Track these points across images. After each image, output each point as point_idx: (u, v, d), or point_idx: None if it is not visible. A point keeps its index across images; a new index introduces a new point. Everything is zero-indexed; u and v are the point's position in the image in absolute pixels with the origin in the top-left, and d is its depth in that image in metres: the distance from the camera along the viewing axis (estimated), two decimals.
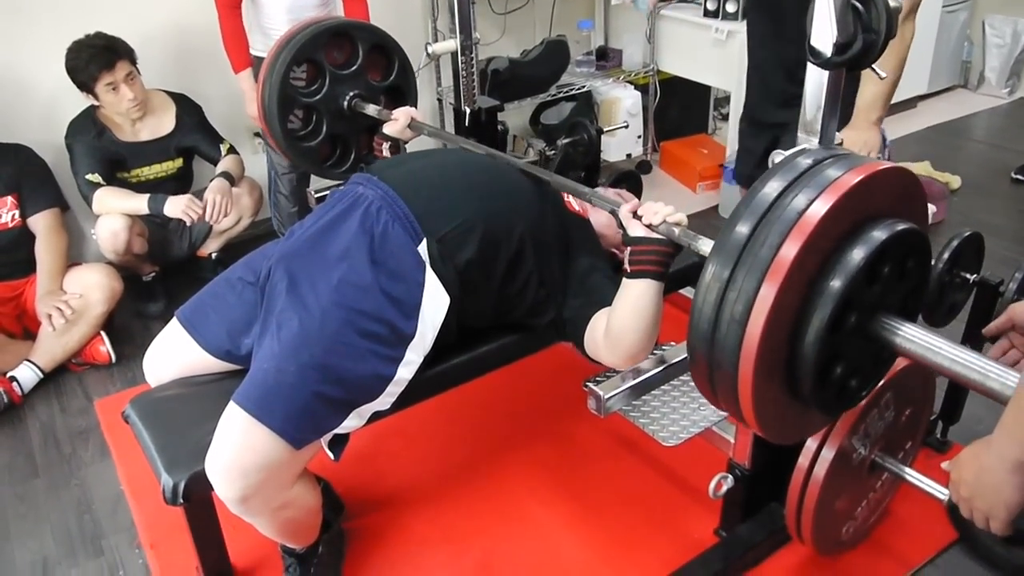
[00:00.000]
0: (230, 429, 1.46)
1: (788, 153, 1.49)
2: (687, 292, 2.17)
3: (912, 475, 1.70)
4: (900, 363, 1.61)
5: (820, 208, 1.08)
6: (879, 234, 1.11)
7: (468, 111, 2.59)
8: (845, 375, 1.19)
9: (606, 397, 1.49)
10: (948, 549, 1.89)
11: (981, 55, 5.18)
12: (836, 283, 1.09)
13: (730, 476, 1.78)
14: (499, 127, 2.68)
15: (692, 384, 2.00)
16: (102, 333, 2.76)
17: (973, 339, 1.98)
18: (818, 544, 1.73)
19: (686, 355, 1.54)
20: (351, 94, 2.27)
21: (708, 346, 1.14)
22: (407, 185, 1.68)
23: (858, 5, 1.44)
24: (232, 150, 3.08)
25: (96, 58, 2.68)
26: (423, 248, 1.60)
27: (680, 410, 1.92)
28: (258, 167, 3.35)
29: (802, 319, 1.11)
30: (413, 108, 2.18)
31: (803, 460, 1.62)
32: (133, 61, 2.79)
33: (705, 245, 1.37)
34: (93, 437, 2.44)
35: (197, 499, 1.53)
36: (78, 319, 2.67)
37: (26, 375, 2.61)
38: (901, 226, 1.13)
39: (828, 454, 1.59)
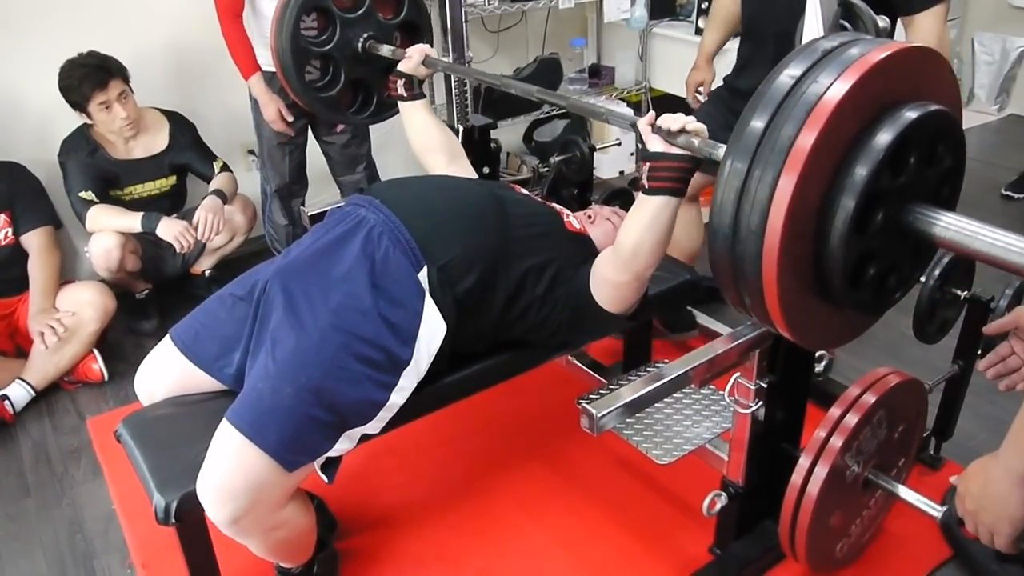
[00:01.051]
0: (223, 449, 1.46)
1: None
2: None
3: (906, 492, 1.70)
4: (892, 380, 1.62)
5: (839, 90, 1.01)
6: (908, 115, 1.04)
7: (461, 129, 2.60)
8: (880, 274, 1.12)
9: (599, 415, 1.49)
10: (942, 566, 1.89)
11: (971, 72, 5.22)
12: (862, 170, 1.02)
13: (724, 494, 1.78)
14: (492, 145, 2.68)
15: (686, 402, 2.02)
16: (95, 351, 2.75)
17: (965, 356, 1.99)
18: (812, 562, 1.73)
19: (679, 372, 1.55)
20: (364, 36, 2.26)
21: (730, 248, 1.09)
22: (409, 210, 1.68)
23: (847, 25, 1.46)
24: (225, 168, 3.08)
25: (89, 77, 2.69)
26: (423, 275, 1.60)
27: (674, 428, 1.92)
28: (252, 185, 3.35)
29: (827, 214, 1.05)
30: (427, 45, 2.16)
31: (796, 477, 1.61)
32: (126, 80, 2.80)
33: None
34: (85, 456, 2.42)
35: (189, 519, 1.52)
36: (71, 337, 2.66)
37: (18, 393, 2.60)
38: (931, 107, 1.06)
39: (821, 471, 1.59)
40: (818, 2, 1.38)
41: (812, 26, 1.42)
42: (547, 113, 3.96)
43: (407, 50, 2.12)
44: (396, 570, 1.95)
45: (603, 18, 3.97)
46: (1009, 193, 3.84)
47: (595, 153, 2.56)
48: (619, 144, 3.71)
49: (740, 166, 1.06)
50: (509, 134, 4.06)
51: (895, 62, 1.04)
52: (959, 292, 1.85)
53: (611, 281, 1.64)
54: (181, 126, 3.03)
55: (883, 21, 1.46)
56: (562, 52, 4.04)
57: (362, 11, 2.25)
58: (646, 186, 1.49)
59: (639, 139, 1.51)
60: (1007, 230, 1.01)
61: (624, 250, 1.56)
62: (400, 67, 2.12)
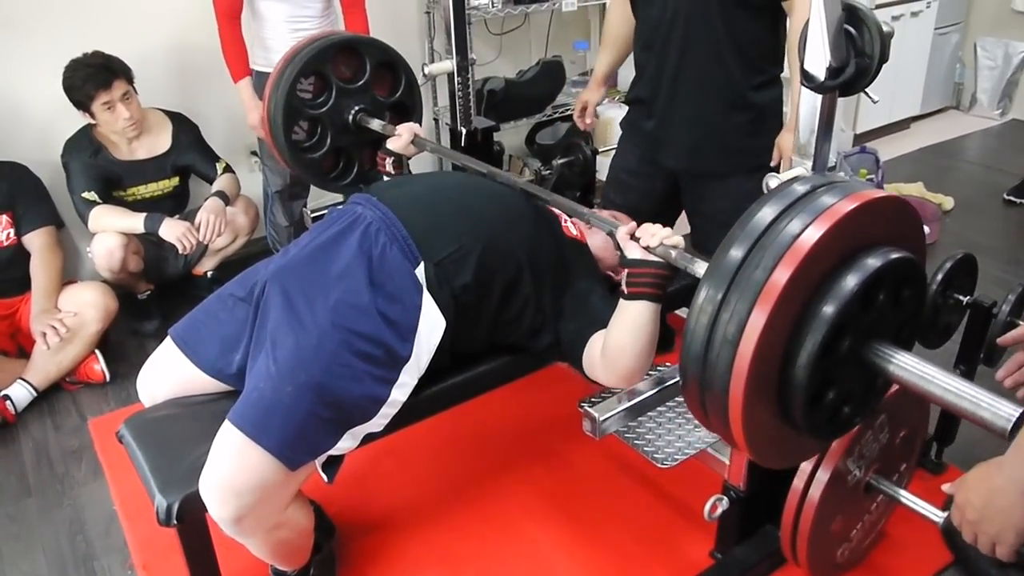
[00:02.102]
0: (225, 449, 1.46)
1: (782, 178, 1.51)
2: (682, 313, 2.17)
3: (907, 497, 1.70)
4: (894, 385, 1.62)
5: (813, 234, 1.08)
6: (873, 262, 1.11)
7: (464, 131, 2.61)
8: (837, 401, 1.19)
9: (601, 419, 1.49)
10: (943, 572, 1.89)
11: (973, 77, 5.23)
12: (829, 309, 1.09)
13: (725, 498, 1.78)
14: (495, 147, 2.69)
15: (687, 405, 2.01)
16: (96, 351, 2.75)
17: (967, 361, 1.99)
18: (813, 566, 1.73)
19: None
20: (356, 108, 2.28)
21: (700, 368, 1.15)
22: (406, 208, 1.68)
23: (851, 30, 1.46)
24: (228, 169, 3.08)
25: (93, 77, 2.69)
26: (420, 271, 1.61)
27: (675, 431, 1.92)
28: (255, 186, 3.35)
29: (794, 344, 1.12)
30: (417, 124, 2.18)
31: (798, 482, 1.61)
32: (130, 80, 2.80)
33: (701, 268, 1.38)
34: (86, 456, 2.42)
35: (190, 520, 1.52)
36: (72, 337, 2.66)
37: (20, 393, 2.60)
38: (895, 254, 1.14)
39: (823, 476, 1.59)
40: (822, 8, 1.38)
41: (816, 30, 1.42)
42: (550, 116, 3.96)
43: (397, 128, 2.14)
44: (396, 573, 1.95)
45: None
46: (1011, 198, 3.85)
47: (597, 156, 2.57)
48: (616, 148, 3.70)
49: (715, 294, 1.13)
50: (512, 136, 4.07)
51: (865, 211, 1.12)
52: (962, 297, 1.85)
53: (598, 376, 1.63)
54: (184, 127, 3.04)
55: (887, 26, 1.46)
56: (565, 55, 4.04)
57: (359, 84, 2.28)
58: (625, 292, 1.52)
59: (617, 247, 1.55)
60: (950, 370, 1.16)
61: (609, 352, 1.57)
62: (389, 144, 2.13)
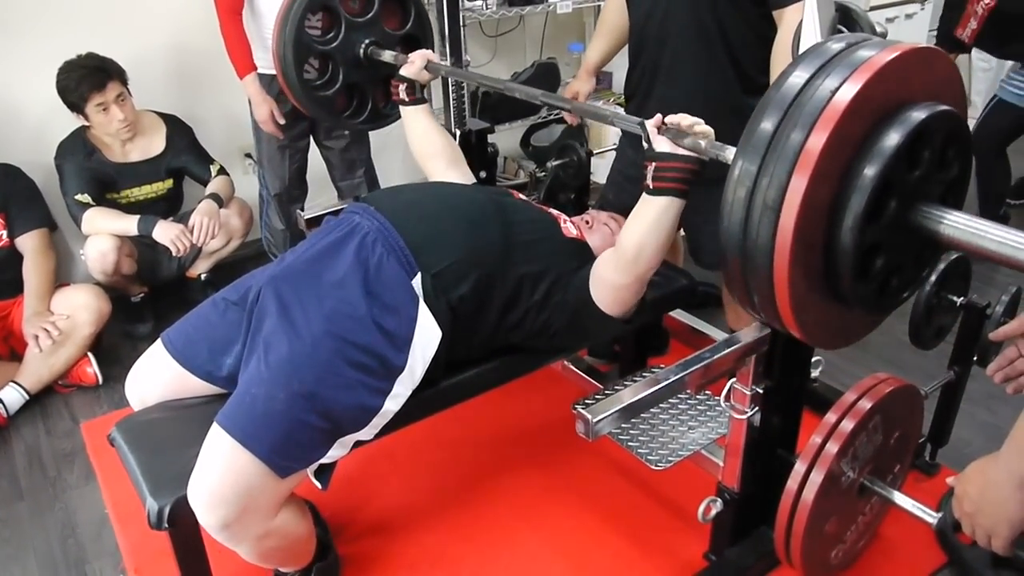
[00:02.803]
0: (214, 454, 1.45)
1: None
2: (676, 314, 2.17)
3: (901, 498, 1.69)
4: (888, 386, 1.61)
5: (849, 91, 1.03)
6: (917, 115, 1.05)
7: (459, 133, 2.60)
8: (886, 269, 1.14)
9: (595, 420, 1.48)
10: (937, 573, 1.89)
11: (967, 79, 5.23)
12: (872, 169, 1.04)
13: (719, 500, 1.78)
14: (489, 149, 2.68)
15: (681, 407, 2.01)
16: (89, 354, 2.75)
17: (961, 362, 1.99)
18: (807, 568, 1.72)
19: (675, 378, 1.55)
20: (367, 42, 2.27)
21: (740, 245, 1.10)
22: (404, 218, 1.68)
23: (844, 31, 1.46)
24: (222, 171, 3.08)
25: (87, 79, 2.69)
26: (417, 282, 1.60)
27: (669, 433, 1.92)
28: (249, 188, 3.35)
29: (837, 210, 1.06)
30: (429, 51, 2.17)
31: (792, 483, 1.61)
32: (124, 82, 2.80)
33: (733, 154, 1.35)
34: (79, 460, 2.42)
35: (182, 524, 1.51)
36: (65, 340, 2.65)
37: (12, 397, 2.59)
38: (939, 107, 1.07)
39: (817, 477, 1.59)
40: (815, 8, 1.38)
41: (810, 31, 1.42)
42: (545, 118, 3.96)
43: (410, 55, 2.13)
44: (390, 575, 1.94)
45: None
46: (1008, 200, 3.84)
47: (592, 158, 2.56)
48: (616, 149, 3.70)
49: (751, 167, 1.07)
50: (506, 138, 4.06)
51: (903, 63, 1.05)
52: (955, 298, 1.85)
53: (612, 283, 1.63)
54: (178, 129, 3.03)
55: (880, 27, 1.46)
56: (560, 57, 4.04)
57: (368, 17, 2.27)
58: (651, 186, 1.49)
59: (646, 139, 1.51)
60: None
61: (627, 251, 1.56)
62: (403, 71, 2.12)
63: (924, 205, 1.12)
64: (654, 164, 1.49)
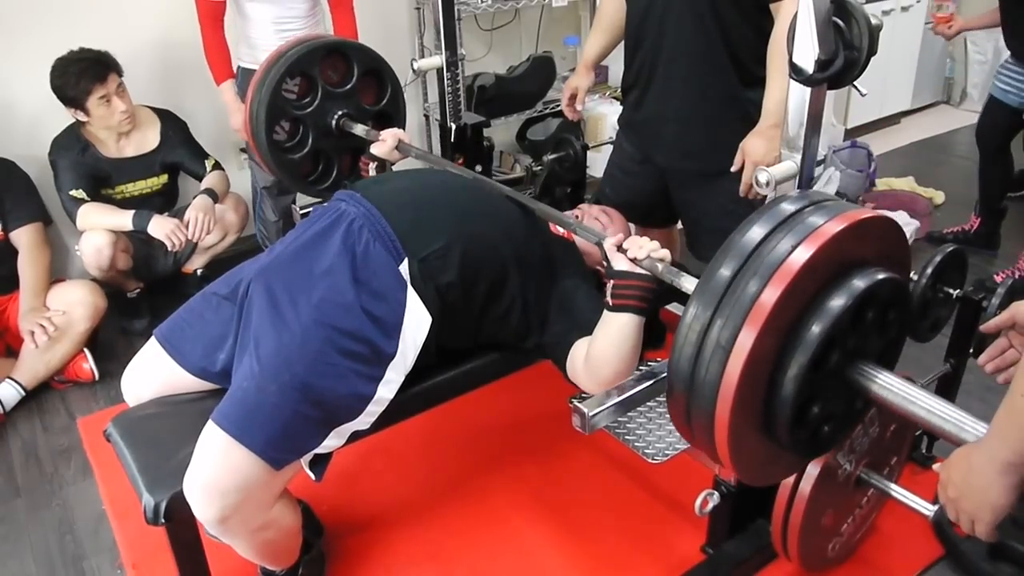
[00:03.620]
0: (209, 449, 1.45)
1: (773, 172, 1.51)
2: (673, 308, 2.17)
3: (897, 491, 1.70)
4: None
5: (802, 255, 1.10)
6: (860, 283, 1.13)
7: (454, 127, 2.60)
8: (820, 418, 1.20)
9: (591, 414, 1.49)
10: (934, 565, 1.89)
11: (963, 72, 5.24)
12: (817, 328, 1.11)
13: (716, 493, 1.78)
14: (485, 143, 2.68)
15: None
16: (85, 350, 2.74)
17: (957, 355, 1.99)
18: (804, 561, 1.73)
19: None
20: (340, 112, 2.27)
21: (687, 385, 1.16)
22: (390, 204, 1.67)
23: (840, 22, 1.45)
24: (217, 166, 3.07)
25: (87, 72, 2.68)
26: (404, 268, 1.60)
27: (666, 427, 1.92)
28: (244, 183, 3.34)
29: (781, 361, 1.13)
30: (401, 130, 2.17)
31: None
32: (120, 74, 2.79)
33: (689, 282, 1.40)
34: (75, 456, 2.41)
35: (179, 519, 1.51)
36: (61, 336, 2.65)
37: (8, 393, 2.58)
38: (882, 275, 1.16)
39: (814, 470, 1.59)
40: (810, 0, 1.38)
41: (805, 24, 1.41)
42: (540, 112, 3.95)
43: (381, 133, 2.13)
44: (387, 571, 1.94)
45: None
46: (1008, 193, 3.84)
47: (588, 151, 2.56)
48: (612, 142, 3.70)
49: (704, 313, 1.14)
50: (502, 132, 4.06)
51: (854, 231, 1.14)
52: (951, 291, 1.85)
53: (580, 380, 1.64)
54: (173, 124, 3.02)
55: (875, 19, 1.45)
56: (555, 50, 4.03)
57: (346, 89, 2.27)
58: (610, 303, 1.52)
59: (604, 258, 1.56)
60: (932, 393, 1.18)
61: (591, 360, 1.58)
62: (373, 149, 2.11)
63: (862, 363, 1.21)
64: (612, 282, 1.52)
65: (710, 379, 1.12)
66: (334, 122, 2.27)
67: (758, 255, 1.13)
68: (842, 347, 1.16)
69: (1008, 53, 3.17)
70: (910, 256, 1.32)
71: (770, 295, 1.08)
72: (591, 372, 1.58)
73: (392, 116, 2.40)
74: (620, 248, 1.52)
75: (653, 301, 1.53)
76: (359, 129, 2.24)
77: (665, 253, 1.50)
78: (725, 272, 1.14)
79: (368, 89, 2.36)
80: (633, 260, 1.49)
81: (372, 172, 2.12)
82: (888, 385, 1.19)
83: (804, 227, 1.14)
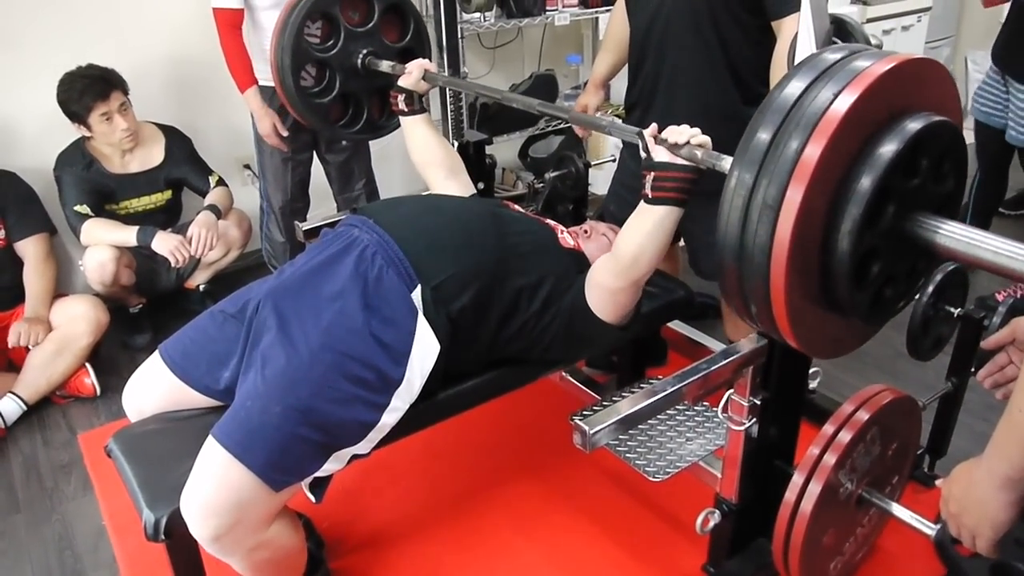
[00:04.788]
0: (209, 466, 1.44)
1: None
2: (675, 325, 2.17)
3: (899, 510, 1.69)
4: (886, 397, 1.62)
5: (846, 101, 1.04)
6: (913, 125, 1.07)
7: (456, 144, 2.61)
8: (881, 277, 1.14)
9: (592, 432, 1.48)
10: None
11: (964, 90, 5.25)
12: (868, 178, 1.05)
13: (717, 511, 1.77)
14: (487, 160, 2.69)
15: (679, 419, 2.01)
16: (87, 365, 2.74)
17: (958, 373, 1.99)
18: None
19: (672, 389, 1.55)
20: (365, 51, 2.29)
21: (737, 255, 1.11)
22: (403, 230, 1.68)
23: (838, 41, 1.46)
24: (221, 182, 3.08)
25: (90, 88, 2.70)
26: (417, 295, 1.60)
27: (667, 445, 1.91)
28: (247, 199, 3.35)
29: (834, 218, 1.07)
30: (426, 60, 2.17)
31: (790, 495, 1.61)
32: (126, 92, 2.81)
33: (728, 163, 1.35)
34: (76, 471, 2.41)
35: (179, 535, 1.51)
36: (63, 350, 2.65)
37: (9, 407, 2.59)
38: (934, 118, 1.08)
39: (815, 489, 1.58)
40: (811, 21, 1.39)
41: (805, 43, 1.42)
42: (543, 129, 3.97)
43: (407, 65, 2.14)
44: None
45: (599, 35, 3.98)
46: (1004, 211, 3.85)
47: (590, 169, 2.57)
48: (614, 160, 3.71)
49: (747, 177, 1.08)
50: (504, 150, 4.07)
51: (899, 74, 1.06)
52: (953, 309, 1.85)
53: (609, 288, 1.65)
54: (177, 140, 3.04)
55: (875, 39, 1.47)
56: (558, 69, 4.06)
57: (368, 28, 2.29)
58: (649, 195, 1.51)
59: (644, 148, 1.53)
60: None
61: (624, 257, 1.58)
62: (400, 82, 2.13)
63: (920, 215, 1.13)
64: (652, 174, 1.50)
65: (760, 243, 1.07)
66: (359, 62, 2.29)
67: (798, 109, 1.07)
68: (898, 198, 1.09)
69: (988, 67, 3.07)
70: (960, 105, 1.24)
71: (813, 151, 1.03)
72: (623, 268, 1.59)
73: (416, 52, 2.41)
74: (658, 140, 1.50)
75: (693, 194, 1.51)
76: (384, 65, 2.25)
77: (705, 139, 1.46)
78: (764, 133, 1.09)
79: (390, 26, 2.37)
80: (673, 147, 1.47)
81: (401, 105, 2.14)
82: (953, 234, 1.11)
83: (846, 73, 1.07)
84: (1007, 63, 3.01)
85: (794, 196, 1.03)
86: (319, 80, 2.32)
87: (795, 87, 1.09)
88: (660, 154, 1.49)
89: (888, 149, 1.05)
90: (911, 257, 1.19)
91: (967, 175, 1.20)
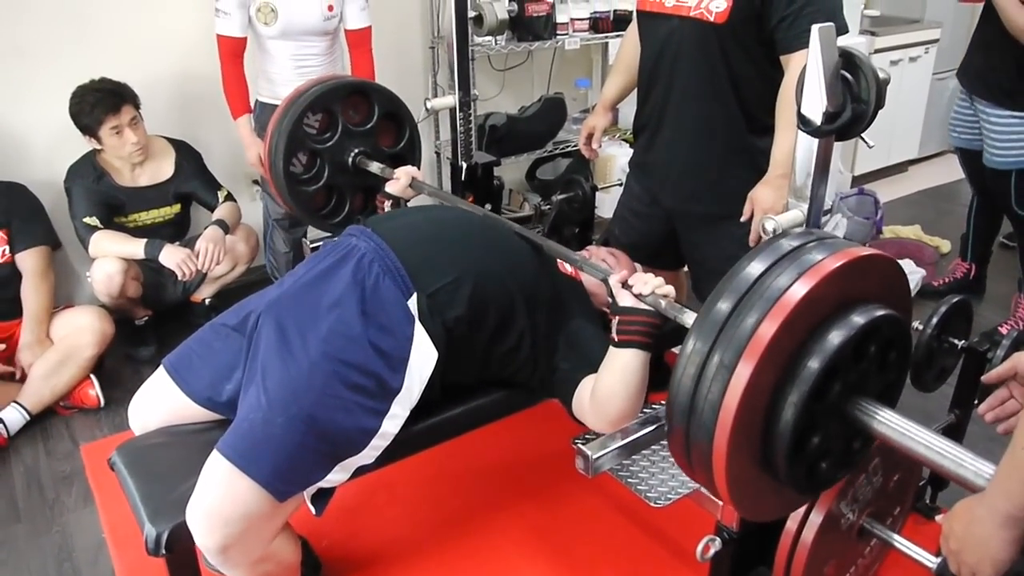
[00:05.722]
0: (214, 478, 1.45)
1: (780, 220, 1.52)
2: (678, 351, 2.17)
3: (900, 542, 1.68)
4: None
5: (800, 289, 1.11)
6: (859, 318, 1.14)
7: (465, 166, 2.62)
8: (818, 452, 1.20)
9: (594, 457, 1.49)
10: None
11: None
12: (816, 361, 1.12)
13: (718, 539, 1.76)
14: (495, 182, 2.70)
15: None
16: (92, 376, 2.75)
17: (962, 405, 1.99)
18: None
19: None
20: (357, 150, 2.32)
21: (686, 419, 1.17)
22: (401, 239, 1.69)
23: (848, 76, 1.47)
24: (230, 197, 3.10)
25: (102, 102, 2.72)
26: (413, 303, 1.61)
27: (668, 471, 1.91)
28: (255, 214, 3.37)
29: (780, 393, 1.13)
30: (414, 168, 2.22)
31: (791, 524, 1.60)
32: (137, 106, 2.83)
33: (689, 318, 1.40)
34: (77, 483, 2.41)
35: (179, 550, 1.51)
36: (68, 361, 2.66)
37: (12, 417, 2.59)
38: (882, 311, 1.16)
39: (816, 518, 1.58)
40: (819, 54, 1.40)
41: (814, 76, 1.43)
42: (550, 152, 3.99)
43: (396, 171, 2.19)
44: None
45: (608, 60, 4.01)
46: (1008, 242, 3.85)
47: (597, 192, 2.58)
48: (621, 184, 3.73)
49: (702, 347, 1.15)
50: (512, 171, 4.09)
51: (852, 268, 1.15)
52: (957, 341, 1.85)
53: (587, 419, 1.66)
54: (187, 155, 3.06)
55: (883, 72, 1.48)
56: (567, 92, 4.08)
57: (365, 128, 2.34)
58: (616, 339, 1.54)
59: (609, 294, 1.58)
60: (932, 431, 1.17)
61: (598, 396, 1.59)
62: (388, 187, 2.17)
63: (862, 399, 1.21)
64: (618, 317, 1.54)
65: (708, 410, 1.13)
66: (351, 159, 2.32)
67: (757, 289, 1.14)
68: (843, 381, 1.16)
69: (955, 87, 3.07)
70: (911, 299, 1.32)
71: (767, 329, 1.09)
72: (597, 408, 1.59)
73: (407, 159, 2.45)
74: (625, 285, 1.54)
75: (658, 338, 1.54)
76: (375, 167, 2.28)
77: (669, 289, 1.51)
78: (724, 305, 1.16)
79: (386, 131, 2.41)
80: (638, 296, 1.51)
81: (387, 209, 2.15)
82: (888, 421, 1.19)
83: (803, 262, 1.15)
84: (972, 84, 3.04)
85: (745, 369, 1.10)
86: (308, 168, 2.35)
87: (756, 268, 1.17)
88: (625, 299, 1.53)
89: (838, 335, 1.12)
90: (848, 436, 1.26)
91: (908, 369, 1.31)
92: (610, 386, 1.55)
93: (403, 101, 2.42)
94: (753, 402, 1.12)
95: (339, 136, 2.29)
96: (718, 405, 1.12)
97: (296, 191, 2.32)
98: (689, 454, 1.20)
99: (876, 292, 1.20)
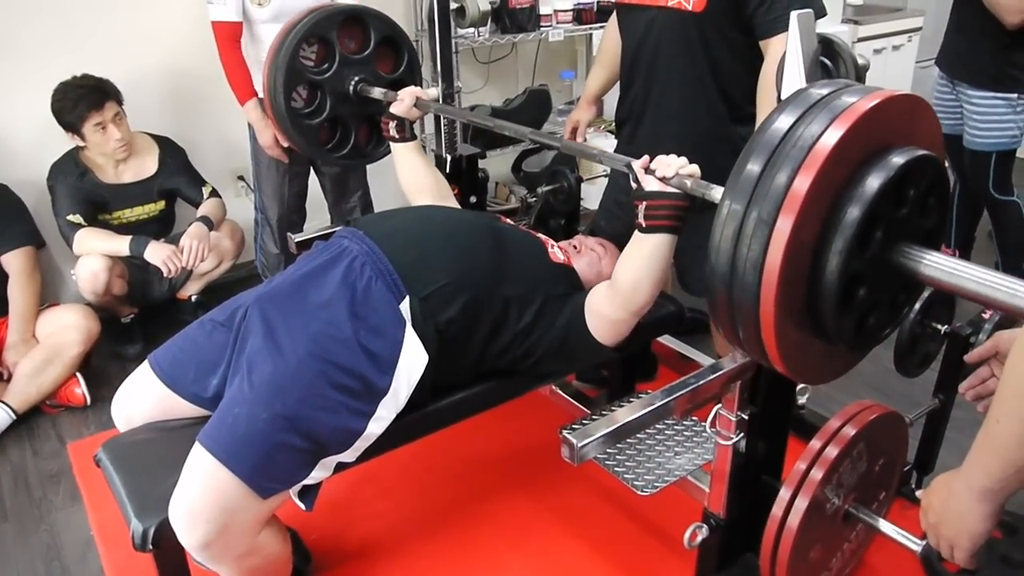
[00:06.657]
0: (196, 473, 1.45)
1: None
2: (665, 340, 2.18)
3: (886, 526, 1.70)
4: (873, 413, 1.63)
5: (832, 137, 1.07)
6: (898, 159, 1.10)
7: (450, 158, 2.62)
8: (866, 304, 1.17)
9: (580, 445, 1.49)
10: None
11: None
12: (856, 209, 1.08)
13: (705, 525, 1.78)
14: (480, 174, 2.70)
15: (668, 433, 2.02)
16: (78, 375, 2.74)
17: (945, 390, 2.00)
18: None
19: (661, 403, 1.56)
20: (357, 78, 2.32)
21: (728, 283, 1.14)
22: (393, 242, 1.69)
23: (827, 61, 1.48)
24: (214, 193, 3.09)
25: (85, 98, 2.70)
26: (405, 306, 1.61)
27: (655, 459, 1.92)
28: (241, 210, 3.36)
29: (822, 247, 1.10)
30: (417, 87, 2.19)
31: (777, 510, 1.61)
32: (120, 102, 2.82)
33: (719, 193, 1.37)
34: (65, 481, 2.40)
35: (166, 546, 1.51)
36: (54, 359, 2.65)
37: None
38: (920, 152, 1.12)
39: (802, 504, 1.59)
40: (798, 40, 1.41)
41: (793, 63, 1.44)
42: (536, 144, 3.99)
43: (399, 92, 2.17)
44: None
45: (592, 51, 4.01)
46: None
47: (583, 184, 2.58)
48: (606, 175, 3.73)
49: (737, 208, 1.11)
50: (497, 164, 4.09)
51: (885, 109, 1.09)
52: (940, 326, 1.86)
53: (609, 318, 1.66)
54: (171, 151, 3.05)
55: (862, 59, 1.49)
56: (551, 84, 4.08)
57: (363, 56, 2.32)
58: (643, 225, 1.53)
59: (634, 179, 1.55)
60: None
61: (622, 287, 1.60)
62: (392, 108, 2.15)
63: (905, 245, 1.17)
64: (644, 203, 1.53)
65: (751, 269, 1.10)
66: (351, 87, 2.32)
67: (789, 139, 1.10)
68: (885, 227, 1.12)
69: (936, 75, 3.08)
70: (943, 141, 1.27)
71: (802, 183, 1.06)
72: (623, 299, 1.61)
73: (407, 83, 2.41)
74: (648, 171, 1.53)
75: (685, 221, 1.53)
76: (377, 92, 2.28)
77: (694, 169, 1.50)
78: (754, 167, 1.12)
79: (384, 57, 2.40)
80: (662, 179, 1.50)
81: (393, 132, 2.16)
82: (936, 263, 1.14)
83: (835, 107, 1.10)
84: (953, 68, 3.06)
85: (784, 225, 1.07)
86: (309, 102, 2.35)
87: (784, 121, 1.13)
88: (651, 184, 1.52)
89: (875, 181, 1.08)
90: (895, 286, 1.23)
91: (948, 206, 1.23)
92: (638, 272, 1.56)
93: (398, 24, 2.42)
94: (796, 257, 1.08)
95: (337, 66, 2.28)
96: (760, 263, 1.08)
97: (300, 126, 2.32)
98: (734, 320, 1.17)
99: (911, 134, 1.16)
